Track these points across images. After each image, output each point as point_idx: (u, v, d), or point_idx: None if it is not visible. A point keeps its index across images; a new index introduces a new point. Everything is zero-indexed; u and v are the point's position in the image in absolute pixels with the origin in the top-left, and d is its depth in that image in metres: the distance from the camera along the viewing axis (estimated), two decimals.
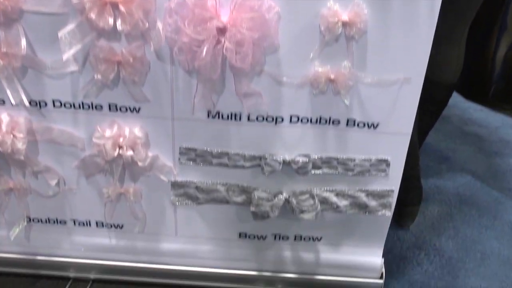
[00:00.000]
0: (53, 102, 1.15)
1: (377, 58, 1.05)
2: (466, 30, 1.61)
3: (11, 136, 1.16)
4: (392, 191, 1.22)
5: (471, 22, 1.61)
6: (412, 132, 1.16)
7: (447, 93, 1.69)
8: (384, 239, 1.32)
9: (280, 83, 1.08)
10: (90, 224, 1.34)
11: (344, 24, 1.01)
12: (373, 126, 1.13)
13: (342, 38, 1.03)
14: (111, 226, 1.34)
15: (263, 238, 1.32)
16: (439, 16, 1.01)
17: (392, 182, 1.22)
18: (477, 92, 1.81)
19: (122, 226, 1.34)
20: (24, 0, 1.03)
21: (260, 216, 1.23)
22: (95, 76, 1.09)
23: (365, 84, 1.08)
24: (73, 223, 1.35)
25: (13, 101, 1.13)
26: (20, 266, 1.42)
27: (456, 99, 2.38)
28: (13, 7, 1.03)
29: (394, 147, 1.17)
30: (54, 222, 1.35)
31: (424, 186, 1.72)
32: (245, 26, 0.96)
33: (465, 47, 1.62)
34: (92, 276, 1.43)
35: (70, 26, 1.04)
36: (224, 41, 0.98)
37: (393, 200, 1.24)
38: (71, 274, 1.43)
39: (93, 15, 1.00)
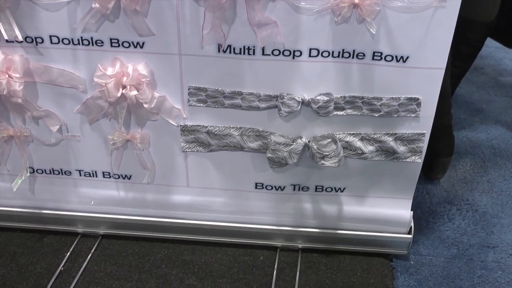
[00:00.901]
0: (50, 38, 1.06)
1: None
2: None
3: (6, 76, 1.07)
4: (423, 134, 1.11)
5: None
6: (445, 74, 1.04)
7: (483, 33, 1.55)
8: (414, 189, 1.21)
9: (298, 9, 0.97)
10: (96, 175, 1.26)
11: None
12: (403, 60, 1.01)
13: None
14: (119, 176, 1.26)
15: (281, 189, 1.22)
16: None
17: (424, 124, 1.10)
18: None
19: (130, 177, 1.25)
20: None
21: (278, 163, 1.12)
22: (93, 5, 0.98)
23: (394, 9, 0.95)
24: (78, 174, 1.27)
25: (6, 36, 1.03)
26: (26, 221, 1.36)
27: (490, 48, 2.23)
28: None
29: (426, 84, 1.05)
30: (58, 173, 1.27)
31: (456, 138, 1.59)
32: None
33: None
34: (101, 231, 1.36)
35: None
36: None
37: (425, 145, 1.12)
38: (79, 229, 1.36)
39: None
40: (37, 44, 1.07)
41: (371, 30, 0.97)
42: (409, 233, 1.27)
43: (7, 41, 1.06)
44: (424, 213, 1.44)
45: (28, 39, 1.06)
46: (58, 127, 1.17)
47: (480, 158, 1.66)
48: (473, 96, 2.00)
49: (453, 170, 1.60)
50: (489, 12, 1.52)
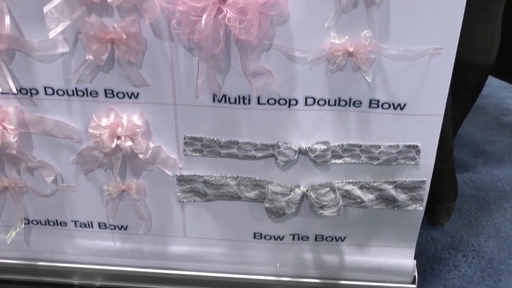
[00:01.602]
0: (45, 89, 1.06)
1: (402, 26, 0.92)
2: (502, 3, 1.47)
3: (0, 128, 1.06)
4: (424, 182, 1.08)
5: None
6: (445, 118, 1.02)
7: (482, 76, 1.55)
8: (416, 238, 1.17)
9: (292, 58, 0.96)
10: (92, 226, 1.24)
11: None
12: (400, 107, 1.00)
13: (361, 3, 0.91)
14: (115, 227, 1.23)
15: (281, 238, 1.19)
16: None
17: (424, 171, 1.07)
18: None
19: (126, 228, 1.23)
20: None
21: (275, 213, 1.10)
22: (87, 57, 0.98)
23: (389, 57, 0.95)
24: (74, 225, 1.24)
25: (0, 89, 1.03)
26: (21, 273, 1.33)
27: (491, 88, 2.23)
28: None
29: (425, 131, 1.03)
30: (54, 224, 1.25)
31: (459, 181, 1.57)
32: None
33: (502, 24, 1.48)
34: (98, 283, 1.32)
35: (57, 1, 0.93)
36: (226, 10, 0.86)
37: (425, 192, 1.10)
38: (75, 281, 1.33)
39: None
40: (32, 96, 1.06)
41: (367, 78, 0.96)
42: (413, 282, 1.23)
43: (1, 93, 1.05)
44: (428, 260, 1.40)
45: (23, 91, 1.06)
46: (53, 177, 1.16)
47: (485, 201, 1.63)
48: (476, 137, 1.98)
49: (457, 215, 1.57)
50: (488, 55, 1.52)
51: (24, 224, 1.24)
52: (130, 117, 1.05)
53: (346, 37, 0.93)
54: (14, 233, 1.23)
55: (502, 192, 1.67)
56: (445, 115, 1.02)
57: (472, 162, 1.82)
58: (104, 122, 1.05)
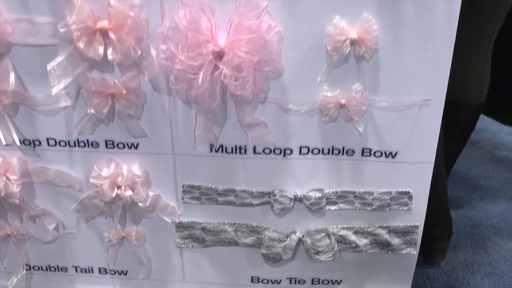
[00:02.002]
0: (47, 140, 1.09)
1: (391, 79, 0.96)
2: (491, 46, 1.52)
3: (4, 178, 1.09)
4: (417, 226, 1.11)
5: (495, 37, 1.51)
6: (438, 160, 1.05)
7: (474, 115, 1.58)
8: (411, 280, 1.19)
9: (287, 111, 0.99)
10: (92, 271, 1.26)
11: (353, 43, 0.92)
12: (391, 155, 1.03)
13: (352, 58, 0.94)
14: (115, 272, 1.25)
15: (278, 282, 1.21)
16: (459, 31, 0.91)
17: (416, 216, 1.10)
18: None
19: (126, 273, 1.25)
20: (11, 32, 0.97)
21: (272, 258, 1.12)
22: (88, 111, 1.01)
23: (380, 108, 0.98)
24: (75, 270, 1.26)
25: (4, 142, 1.06)
26: None
27: (485, 121, 2.26)
28: (0, 40, 0.97)
29: (416, 177, 1.06)
30: (55, 269, 1.27)
31: (454, 217, 1.59)
32: (243, 49, 0.88)
33: (493, 65, 1.52)
34: None
35: (59, 58, 0.97)
36: (222, 67, 0.90)
37: (418, 236, 1.12)
38: None
39: (81, 45, 0.92)
40: (34, 147, 1.10)
41: (359, 128, 0.99)
42: None
43: (5, 144, 1.08)
44: None
45: (26, 142, 1.09)
46: (54, 225, 1.18)
47: (480, 238, 1.65)
48: (471, 172, 2.01)
49: (453, 252, 1.58)
50: (479, 94, 1.55)
51: (26, 270, 1.26)
52: (130, 167, 1.08)
53: (338, 90, 0.97)
54: (15, 279, 1.25)
55: (497, 228, 1.69)
56: (437, 156, 1.05)
57: (467, 198, 1.85)
58: (104, 172, 1.08)
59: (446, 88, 0.97)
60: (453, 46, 0.93)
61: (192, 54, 0.88)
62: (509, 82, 1.62)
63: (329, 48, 0.92)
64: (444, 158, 1.51)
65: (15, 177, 1.10)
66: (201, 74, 0.90)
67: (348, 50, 0.92)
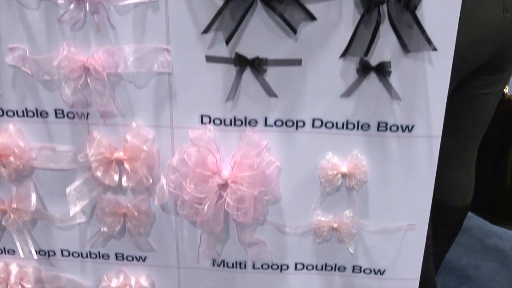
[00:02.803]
0: (62, 251, 1.17)
1: (379, 206, 1.06)
2: (475, 151, 1.62)
3: (19, 286, 1.17)
4: None
5: (479, 143, 1.62)
6: (425, 261, 1.12)
7: (460, 217, 1.68)
8: None
9: (283, 232, 1.09)
10: None
11: (344, 176, 1.02)
12: (380, 272, 1.12)
13: (343, 188, 1.04)
14: None
15: None
16: (445, 139, 1.01)
17: None
18: (502, 214, 1.77)
19: None
20: (35, 158, 1.08)
21: None
22: (102, 229, 1.10)
23: (369, 232, 1.07)
24: None
25: (22, 254, 1.14)
26: None
27: None
28: (25, 165, 1.07)
29: None
30: None
31: None
32: (245, 184, 0.98)
33: (480, 168, 1.62)
34: None
35: (77, 182, 1.07)
36: (225, 197, 0.99)
37: None
38: None
39: (99, 173, 1.03)
40: (49, 257, 1.18)
41: (349, 249, 1.08)
42: None
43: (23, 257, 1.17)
44: None
45: (41, 252, 1.17)
46: None
47: None
48: (461, 262, 2.08)
49: None
50: (465, 197, 1.65)
51: None
52: (138, 278, 1.16)
53: (331, 216, 1.06)
54: None
55: None
56: (425, 258, 1.13)
57: None
58: (114, 283, 1.16)
59: (429, 213, 1.06)
60: (434, 177, 1.04)
61: (199, 187, 0.98)
62: (494, 183, 1.73)
63: (322, 180, 1.03)
64: (433, 255, 1.59)
65: (29, 286, 1.18)
66: (206, 204, 0.99)
67: (340, 182, 1.02)
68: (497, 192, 1.73)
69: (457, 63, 0.95)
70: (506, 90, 1.66)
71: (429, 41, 0.91)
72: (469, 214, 1.93)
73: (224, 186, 1.00)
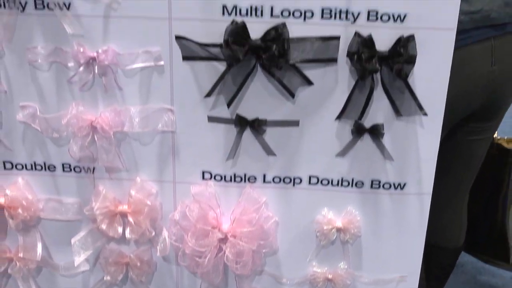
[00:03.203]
0: None
1: (372, 259, 1.10)
2: (467, 195, 1.67)
3: None
4: None
5: (470, 186, 1.66)
6: None
7: (453, 258, 1.72)
8: None
9: (281, 283, 1.13)
10: None
11: (339, 230, 1.07)
12: None
13: (338, 241, 1.09)
14: None
15: None
16: (437, 183, 1.05)
17: None
18: (494, 255, 1.81)
19: None
20: (41, 209, 1.12)
21: None
22: (105, 277, 1.14)
23: (362, 283, 1.11)
24: None
25: None
26: None
27: None
28: (32, 216, 1.11)
29: None
30: None
31: None
32: (244, 239, 1.02)
33: (472, 210, 1.67)
34: None
35: (82, 233, 1.11)
36: (225, 250, 1.04)
37: None
38: None
39: (104, 226, 1.07)
40: None
41: None
42: None
43: None
44: None
45: None
46: None
47: None
48: None
49: None
50: (457, 239, 1.69)
51: None
52: None
53: (326, 267, 1.11)
54: None
55: None
56: None
57: None
58: None
59: (420, 265, 1.11)
60: (425, 231, 1.08)
61: (199, 242, 1.03)
62: (485, 225, 1.77)
63: (318, 233, 1.07)
64: None
65: None
66: (206, 258, 1.03)
67: (335, 236, 1.07)
68: (489, 234, 1.77)
69: (448, 113, 1.00)
70: (495, 135, 1.71)
71: (420, 107, 0.96)
72: (463, 252, 1.97)
73: (224, 239, 1.04)
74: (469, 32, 1.33)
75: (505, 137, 1.71)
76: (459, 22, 0.93)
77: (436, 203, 1.11)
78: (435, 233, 1.42)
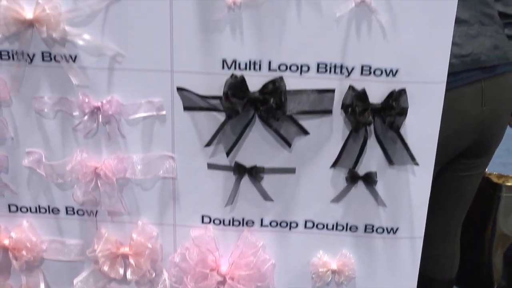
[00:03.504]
0: None
1: None
2: (459, 228, 1.70)
3: None
4: None
5: (462, 220, 1.70)
6: None
7: None
8: None
9: None
10: None
11: (333, 272, 1.10)
12: None
13: (333, 283, 1.12)
14: None
15: None
16: (429, 217, 1.09)
17: None
18: None
19: None
20: (45, 250, 1.15)
21: None
22: None
23: None
24: None
25: None
26: None
27: None
28: (35, 257, 1.14)
29: None
30: None
31: None
32: (242, 281, 1.05)
33: (462, 244, 1.70)
34: None
35: (84, 274, 1.14)
36: None
37: None
38: None
39: (105, 268, 1.10)
40: None
41: None
42: None
43: None
44: None
45: None
46: None
47: None
48: None
49: None
50: (450, 271, 1.73)
51: None
52: None
53: None
54: None
55: None
56: None
57: None
58: None
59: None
60: (417, 273, 1.12)
61: (199, 284, 1.06)
62: (473, 258, 1.81)
63: (313, 275, 1.11)
64: None
65: None
66: None
67: (330, 278, 1.10)
68: (475, 268, 1.81)
69: (439, 151, 1.04)
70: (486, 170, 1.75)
71: (412, 157, 1.00)
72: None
73: (222, 281, 1.08)
74: (460, 74, 1.37)
75: (495, 173, 1.75)
76: (451, 65, 0.98)
77: (428, 236, 1.14)
78: (427, 266, 1.46)
